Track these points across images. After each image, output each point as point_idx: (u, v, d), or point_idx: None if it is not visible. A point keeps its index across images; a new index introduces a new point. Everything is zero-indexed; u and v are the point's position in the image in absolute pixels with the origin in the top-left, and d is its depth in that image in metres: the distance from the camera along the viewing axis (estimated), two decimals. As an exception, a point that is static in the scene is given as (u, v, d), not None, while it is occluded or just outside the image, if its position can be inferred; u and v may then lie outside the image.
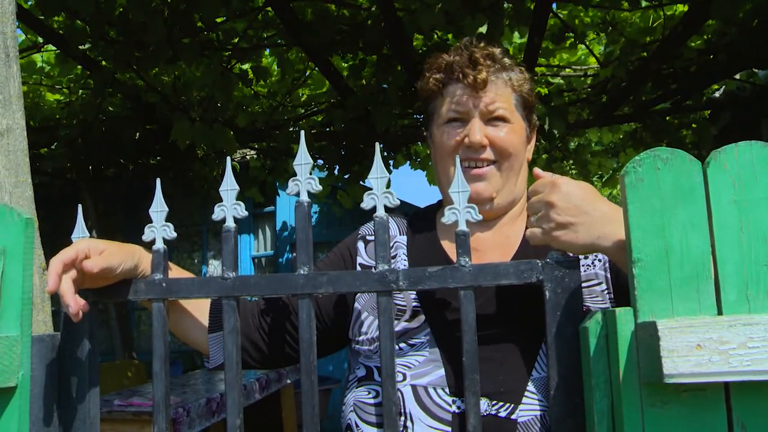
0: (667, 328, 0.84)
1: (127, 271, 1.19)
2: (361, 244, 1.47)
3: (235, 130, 5.29)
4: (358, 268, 1.44)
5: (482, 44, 1.42)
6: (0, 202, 1.24)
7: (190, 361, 8.48)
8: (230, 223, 1.15)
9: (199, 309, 1.42)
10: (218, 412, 3.76)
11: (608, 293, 1.28)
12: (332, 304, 1.42)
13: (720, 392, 0.88)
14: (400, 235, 1.47)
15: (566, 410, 1.03)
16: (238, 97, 5.52)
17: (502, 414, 1.20)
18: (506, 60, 1.41)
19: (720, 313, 0.90)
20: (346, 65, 5.40)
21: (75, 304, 1.11)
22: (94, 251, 1.16)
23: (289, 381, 5.33)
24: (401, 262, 1.41)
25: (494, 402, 1.20)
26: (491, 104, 1.36)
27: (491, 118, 1.36)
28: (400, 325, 1.31)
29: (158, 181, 1.20)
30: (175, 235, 1.19)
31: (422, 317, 1.31)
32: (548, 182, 1.12)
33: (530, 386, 1.21)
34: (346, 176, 6.34)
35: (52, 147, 5.90)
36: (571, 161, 8.00)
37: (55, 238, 2.48)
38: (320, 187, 1.12)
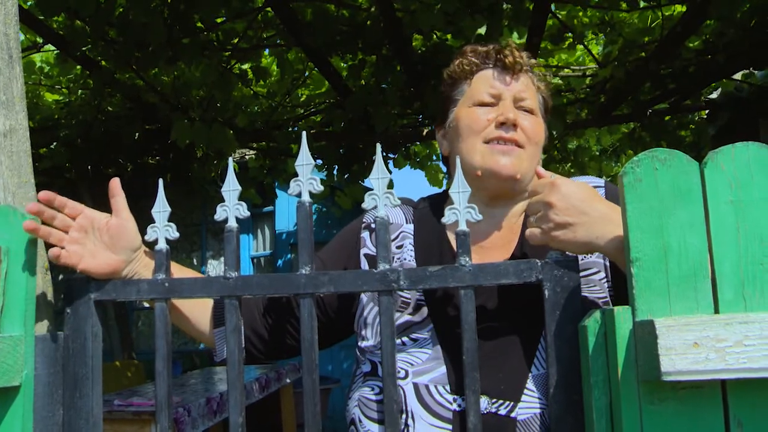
0: (664, 326, 0.85)
1: (133, 243, 1.27)
2: (366, 234, 1.47)
3: (235, 130, 5.30)
4: (363, 258, 1.45)
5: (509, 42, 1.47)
6: (3, 203, 1.25)
7: (189, 361, 8.49)
8: (232, 224, 1.16)
9: (204, 303, 1.44)
10: (219, 411, 3.77)
11: (606, 281, 1.28)
12: (336, 297, 1.43)
13: (717, 389, 0.89)
14: (407, 223, 1.47)
15: (565, 408, 1.05)
16: (237, 97, 5.53)
17: (502, 412, 1.21)
18: (532, 61, 1.46)
19: (717, 311, 0.91)
20: (345, 65, 5.41)
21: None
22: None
23: (288, 381, 5.34)
24: (408, 252, 1.42)
25: (494, 400, 1.21)
26: (523, 92, 1.39)
27: (520, 107, 1.38)
28: (403, 318, 1.33)
29: (160, 182, 1.21)
30: (177, 235, 1.20)
31: (425, 311, 1.33)
32: (547, 182, 1.13)
33: (530, 384, 1.22)
34: (346, 176, 6.34)
35: (52, 147, 5.91)
36: (569, 164, 8.00)
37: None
38: (322, 188, 1.13)
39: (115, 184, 1.26)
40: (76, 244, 1.22)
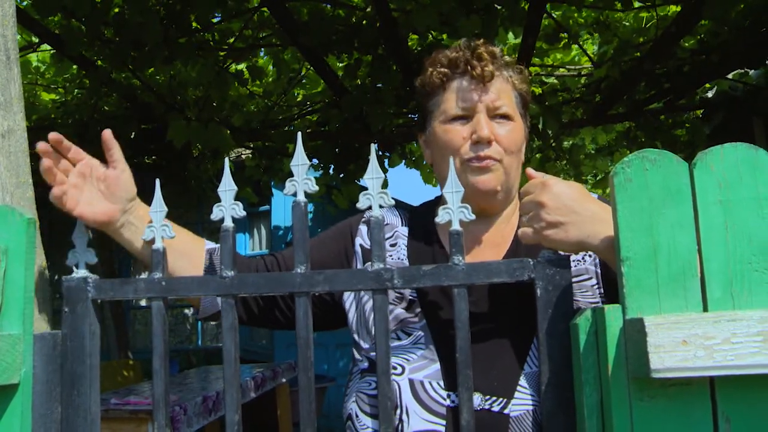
0: (654, 324, 0.86)
1: (128, 189, 1.31)
2: (364, 227, 1.49)
3: (231, 130, 5.31)
4: (357, 248, 1.46)
5: (482, 41, 1.42)
6: (2, 203, 1.26)
7: (186, 359, 8.50)
8: (228, 223, 1.17)
9: (193, 260, 1.40)
10: (215, 410, 3.78)
11: (598, 287, 1.30)
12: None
13: (705, 386, 0.91)
14: (401, 225, 1.49)
15: (557, 405, 1.06)
16: (233, 96, 5.54)
17: (495, 408, 1.22)
18: (506, 58, 1.43)
19: (705, 309, 0.92)
20: (341, 65, 5.43)
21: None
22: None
23: (284, 380, 5.35)
24: (402, 251, 1.43)
25: (487, 397, 1.23)
26: (497, 100, 1.36)
27: (495, 116, 1.36)
28: (397, 310, 1.35)
29: (157, 182, 1.23)
30: (174, 235, 1.21)
31: (419, 308, 1.35)
32: (539, 183, 1.14)
33: (522, 381, 1.24)
34: (341, 175, 6.36)
35: (48, 146, 5.90)
36: (564, 161, 8.03)
37: (50, 237, 2.49)
38: (317, 188, 1.14)
39: (108, 136, 1.29)
40: (74, 189, 1.25)
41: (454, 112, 1.38)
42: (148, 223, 1.21)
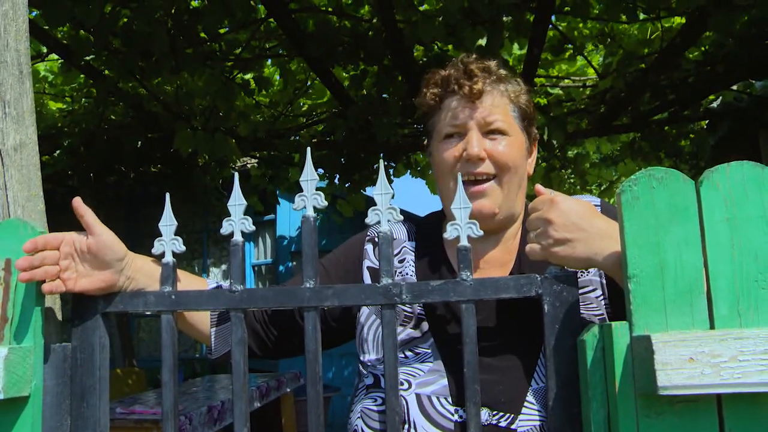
0: (661, 341, 0.87)
1: (115, 250, 1.24)
2: (369, 246, 1.49)
3: (237, 139, 5.33)
4: (365, 271, 1.47)
5: (475, 57, 1.43)
6: (13, 216, 1.28)
7: (190, 368, 8.50)
8: (238, 237, 1.18)
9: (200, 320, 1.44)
10: (220, 420, 3.78)
11: (603, 299, 1.31)
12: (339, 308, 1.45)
13: (712, 404, 0.92)
14: (408, 240, 1.49)
15: (564, 421, 1.07)
16: (240, 106, 5.56)
17: (503, 424, 1.23)
18: (502, 71, 1.41)
19: (712, 327, 0.93)
20: (347, 75, 5.45)
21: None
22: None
23: (288, 389, 5.35)
24: (409, 267, 1.44)
25: (495, 412, 1.23)
26: (489, 116, 1.35)
27: (489, 131, 1.36)
28: (405, 332, 1.35)
29: (167, 196, 1.23)
30: (184, 248, 1.22)
31: (426, 325, 1.35)
32: (547, 199, 1.15)
33: (529, 397, 1.24)
34: (347, 185, 6.37)
35: (55, 155, 5.94)
36: (569, 170, 8.04)
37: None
38: (326, 203, 1.15)
39: (78, 203, 1.23)
40: (67, 271, 1.21)
41: (446, 131, 1.39)
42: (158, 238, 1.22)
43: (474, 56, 1.43)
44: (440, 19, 3.92)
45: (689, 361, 0.86)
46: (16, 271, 1.18)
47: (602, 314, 1.29)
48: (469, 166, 1.34)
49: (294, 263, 9.10)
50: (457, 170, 1.34)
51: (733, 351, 0.86)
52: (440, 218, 1.52)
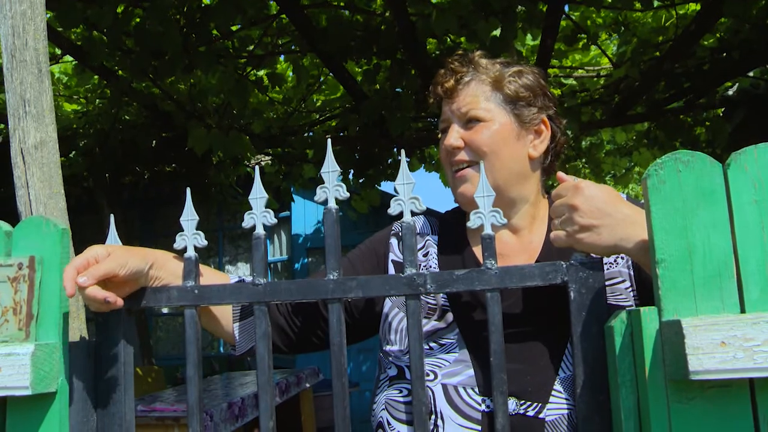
0: (691, 326, 0.86)
1: (135, 272, 1.18)
2: (394, 240, 1.51)
3: (251, 137, 5.34)
4: (390, 264, 1.48)
5: (461, 53, 1.48)
6: (36, 213, 1.28)
7: (208, 365, 8.54)
8: (260, 231, 1.17)
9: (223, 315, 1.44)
10: (241, 416, 3.79)
11: (632, 290, 1.30)
12: (363, 300, 1.45)
13: (745, 388, 0.90)
14: (432, 234, 1.50)
15: (593, 408, 1.06)
16: (253, 103, 5.57)
17: (530, 413, 1.22)
18: (483, 60, 1.44)
19: (743, 311, 0.92)
20: (360, 70, 5.44)
21: (102, 294, 1.13)
22: (101, 256, 1.17)
23: (308, 385, 5.35)
24: (432, 260, 1.44)
25: (522, 401, 1.23)
26: (463, 107, 1.40)
27: (467, 121, 1.40)
28: (430, 324, 1.35)
29: (188, 191, 1.24)
30: (205, 243, 1.22)
31: (450, 316, 1.35)
32: (571, 186, 1.14)
33: (557, 385, 1.24)
34: (361, 180, 6.37)
35: (70, 156, 5.98)
36: (583, 159, 8.01)
37: (73, 245, 2.51)
38: (347, 194, 1.15)
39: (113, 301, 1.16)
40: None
41: (441, 128, 1.48)
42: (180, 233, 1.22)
43: (460, 52, 1.50)
44: (453, 12, 3.89)
45: (721, 345, 0.85)
46: (39, 269, 1.18)
47: (631, 305, 1.28)
48: (450, 156, 1.42)
49: (310, 259, 9.11)
50: (445, 162, 1.45)
51: (766, 334, 0.84)
52: (461, 212, 1.53)
